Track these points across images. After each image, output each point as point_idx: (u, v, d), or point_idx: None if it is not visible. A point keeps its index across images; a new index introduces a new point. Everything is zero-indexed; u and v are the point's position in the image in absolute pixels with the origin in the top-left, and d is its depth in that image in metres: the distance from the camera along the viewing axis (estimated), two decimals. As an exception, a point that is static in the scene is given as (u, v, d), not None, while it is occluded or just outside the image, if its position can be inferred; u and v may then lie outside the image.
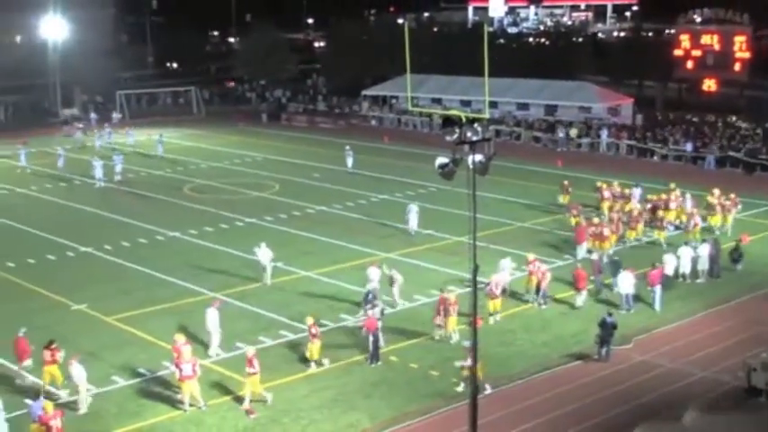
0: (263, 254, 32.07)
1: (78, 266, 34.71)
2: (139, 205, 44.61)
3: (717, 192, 38.59)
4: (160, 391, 23.09)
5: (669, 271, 31.16)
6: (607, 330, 25.42)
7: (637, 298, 29.64)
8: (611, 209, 38.57)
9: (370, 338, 25.41)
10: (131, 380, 24.21)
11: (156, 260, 34.98)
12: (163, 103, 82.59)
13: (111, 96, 76.77)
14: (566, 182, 42.96)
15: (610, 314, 25.93)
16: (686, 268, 31.92)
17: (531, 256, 30.43)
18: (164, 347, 25.74)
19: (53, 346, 23.22)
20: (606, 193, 40.11)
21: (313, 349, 24.84)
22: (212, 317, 25.85)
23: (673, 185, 40.14)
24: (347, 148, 52.90)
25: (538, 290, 29.69)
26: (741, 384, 23.47)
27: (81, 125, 65.86)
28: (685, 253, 32.08)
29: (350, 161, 51.99)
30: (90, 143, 61.77)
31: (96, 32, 79.21)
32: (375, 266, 29.90)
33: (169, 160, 56.43)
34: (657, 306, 29.48)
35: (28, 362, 23.91)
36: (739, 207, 38.89)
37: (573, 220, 37.31)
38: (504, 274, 29.67)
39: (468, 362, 21.81)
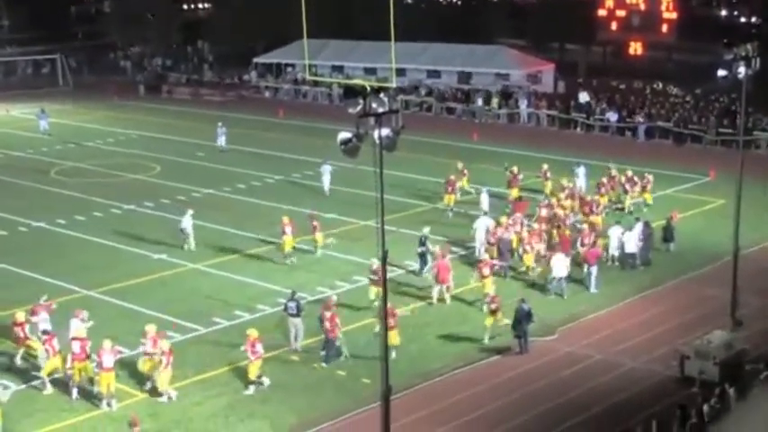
0: (188, 222, 34.47)
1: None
2: (-2, 192, 43.54)
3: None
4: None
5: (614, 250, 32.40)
6: (522, 320, 25.87)
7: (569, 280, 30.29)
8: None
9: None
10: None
11: (18, 254, 34.20)
12: (23, 74, 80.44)
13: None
14: (460, 164, 41.21)
15: (523, 301, 26.38)
16: (615, 250, 32.66)
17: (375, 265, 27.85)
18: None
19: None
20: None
21: (252, 368, 24.03)
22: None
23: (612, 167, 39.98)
24: (219, 124, 52.35)
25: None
26: (674, 374, 24.28)
27: None
28: (615, 234, 32.80)
29: (222, 139, 51.55)
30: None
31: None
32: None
33: (34, 140, 55.09)
34: (594, 288, 30.29)
35: None
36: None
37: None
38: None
39: None
